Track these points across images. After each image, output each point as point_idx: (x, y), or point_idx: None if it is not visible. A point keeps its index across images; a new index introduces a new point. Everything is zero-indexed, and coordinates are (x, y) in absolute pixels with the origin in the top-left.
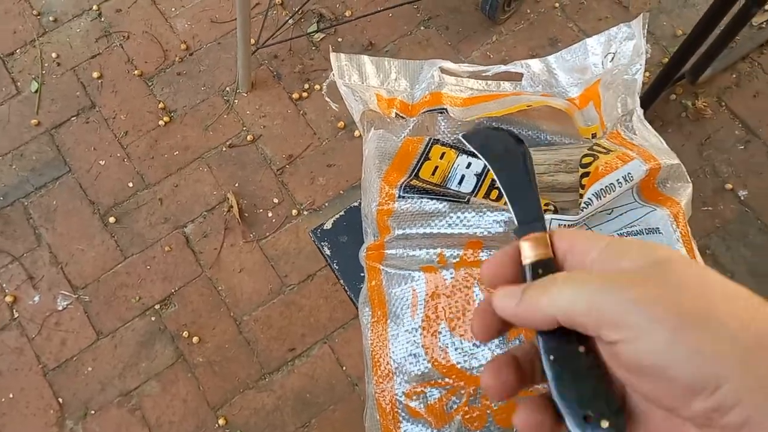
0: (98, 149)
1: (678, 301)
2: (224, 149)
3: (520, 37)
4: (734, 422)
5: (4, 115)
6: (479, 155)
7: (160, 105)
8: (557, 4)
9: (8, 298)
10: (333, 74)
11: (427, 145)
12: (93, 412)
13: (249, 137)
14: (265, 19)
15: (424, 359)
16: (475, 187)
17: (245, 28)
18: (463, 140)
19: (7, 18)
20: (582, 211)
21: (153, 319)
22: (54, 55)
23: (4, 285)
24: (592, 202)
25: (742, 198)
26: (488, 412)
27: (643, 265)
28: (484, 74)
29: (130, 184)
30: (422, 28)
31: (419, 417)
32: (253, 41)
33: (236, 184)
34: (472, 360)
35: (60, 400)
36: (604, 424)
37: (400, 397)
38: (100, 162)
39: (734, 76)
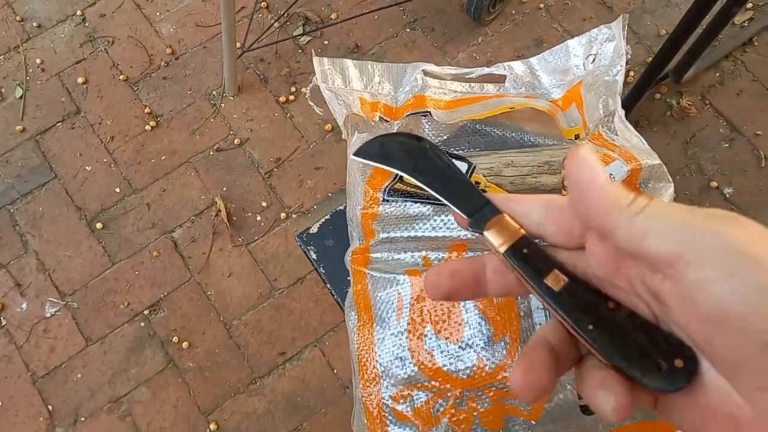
0: (84, 155)
1: None
2: (211, 153)
3: (505, 38)
4: None
5: None
6: (385, 166)
7: (146, 110)
8: (542, 5)
9: None
10: (316, 78)
11: None
12: (83, 419)
13: (236, 141)
14: (250, 22)
15: (410, 362)
16: None
17: (230, 32)
18: (358, 159)
19: None
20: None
21: (142, 324)
22: (38, 60)
23: None
24: None
25: (727, 196)
26: (475, 414)
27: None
28: (467, 77)
29: (117, 190)
30: (408, 30)
31: (406, 420)
32: (238, 45)
33: (224, 188)
34: (458, 362)
35: (50, 407)
36: (678, 363)
37: (387, 400)
38: (87, 168)
39: (718, 74)
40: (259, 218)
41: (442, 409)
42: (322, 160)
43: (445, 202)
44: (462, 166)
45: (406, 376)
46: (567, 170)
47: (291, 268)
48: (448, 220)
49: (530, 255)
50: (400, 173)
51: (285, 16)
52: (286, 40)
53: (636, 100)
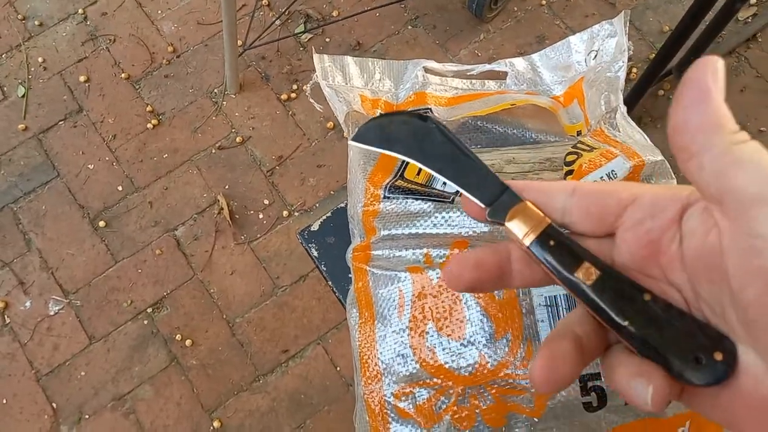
0: (87, 153)
1: None
2: (213, 151)
3: (507, 35)
4: None
5: None
6: (387, 152)
7: (148, 108)
8: (544, 2)
9: None
10: (316, 76)
11: None
12: (87, 416)
13: (238, 139)
14: (251, 20)
15: (412, 360)
16: None
17: (232, 30)
18: (356, 144)
19: None
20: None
21: (145, 322)
22: (40, 59)
23: None
24: None
25: None
26: (477, 411)
27: None
28: (468, 73)
29: (120, 188)
30: (410, 27)
31: (408, 417)
32: (240, 43)
33: (226, 186)
34: (459, 360)
35: (54, 405)
36: (718, 356)
37: (389, 397)
38: (89, 166)
39: None
40: (261, 216)
41: (444, 406)
42: (324, 158)
43: (460, 189)
44: None
45: (407, 374)
46: (690, 71)
47: (293, 266)
48: (450, 217)
49: (558, 246)
50: (405, 159)
51: (286, 13)
52: (288, 37)
53: (639, 96)
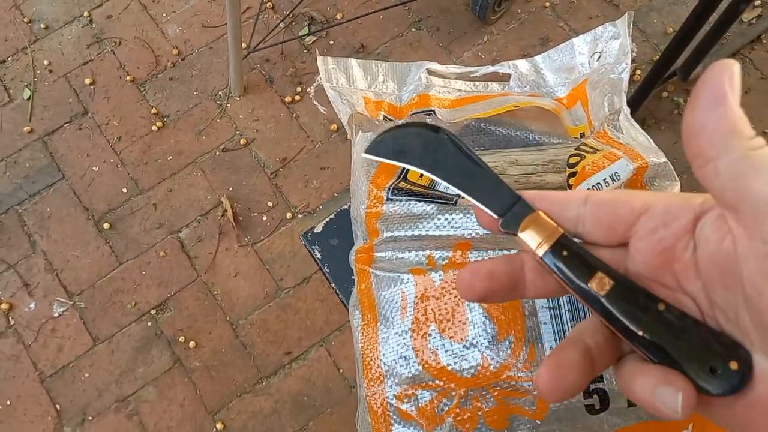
0: (92, 155)
1: None
2: (218, 153)
3: (511, 37)
4: None
5: None
6: (400, 164)
7: (153, 110)
8: (548, 4)
9: (4, 306)
10: (320, 78)
11: None
12: (90, 418)
13: (242, 141)
14: (256, 23)
15: (414, 362)
16: None
17: (236, 32)
18: (370, 157)
19: None
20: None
21: (149, 324)
22: (46, 62)
23: None
24: None
25: None
26: (479, 413)
27: None
28: (471, 75)
29: (124, 190)
30: (413, 29)
31: (411, 419)
32: (244, 45)
33: (230, 188)
34: (462, 362)
35: (57, 406)
36: (733, 365)
37: (391, 399)
38: (94, 168)
39: None
40: (265, 218)
41: (446, 408)
42: (327, 160)
43: (472, 200)
44: None
45: (410, 375)
46: (705, 74)
47: (297, 268)
48: (452, 218)
49: (571, 257)
50: (419, 171)
51: (290, 16)
52: (292, 40)
53: (643, 98)
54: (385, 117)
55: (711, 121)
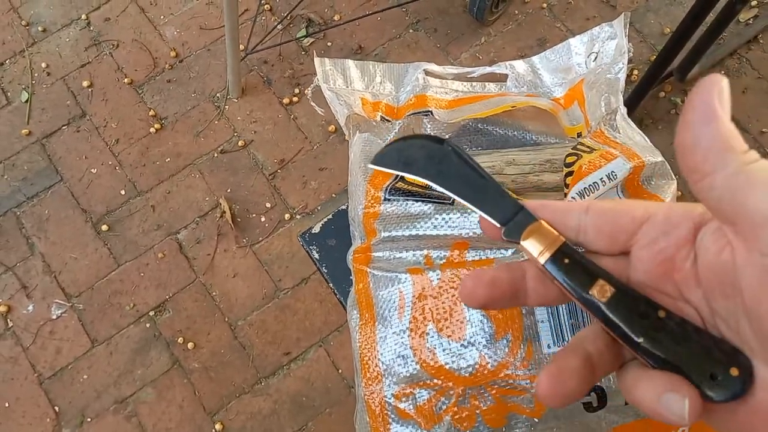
0: (90, 158)
1: None
2: (216, 155)
3: (508, 38)
4: None
5: None
6: (405, 174)
7: (151, 112)
8: (545, 5)
9: (2, 308)
10: (317, 79)
11: None
12: (89, 419)
13: (240, 143)
14: (253, 24)
15: (412, 361)
16: None
17: (234, 34)
18: (375, 167)
19: None
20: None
21: (148, 325)
22: (44, 64)
23: None
24: (575, 201)
25: None
26: (477, 412)
27: None
28: (468, 76)
29: (123, 192)
30: (411, 31)
31: (409, 418)
32: (242, 47)
33: (228, 190)
34: (460, 360)
35: (56, 408)
36: (734, 372)
37: (390, 398)
38: (92, 170)
39: (722, 72)
40: (263, 219)
41: (444, 407)
42: (325, 161)
43: (476, 210)
44: None
45: (408, 375)
46: (694, 91)
47: (295, 269)
48: (450, 218)
49: (572, 265)
50: (424, 181)
51: (288, 18)
52: (290, 42)
53: (640, 98)
54: (382, 118)
55: (704, 138)
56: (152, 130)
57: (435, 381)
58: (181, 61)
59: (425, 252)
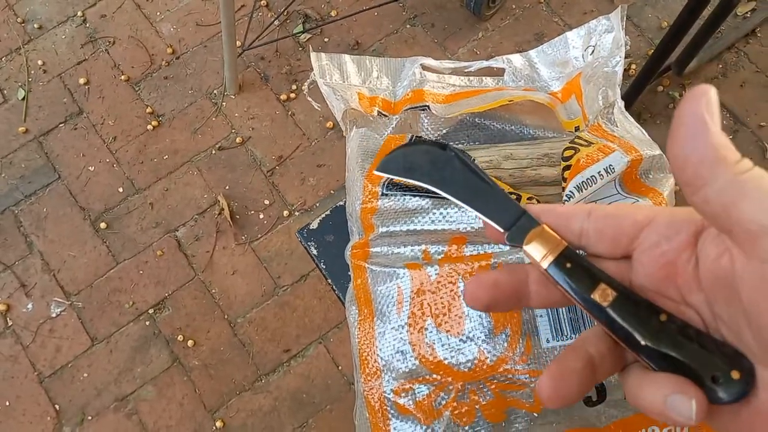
0: (87, 155)
1: None
2: (213, 152)
3: (506, 33)
4: None
5: None
6: (409, 180)
7: (148, 109)
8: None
9: (1, 307)
10: (314, 74)
11: (409, 143)
12: (90, 417)
13: (238, 139)
14: (250, 20)
15: (411, 356)
16: None
17: (230, 31)
18: (381, 173)
19: None
20: (564, 204)
21: (147, 323)
22: (40, 62)
23: None
24: (573, 195)
25: None
26: (477, 407)
27: None
28: (465, 70)
29: (120, 190)
30: (408, 26)
31: (408, 414)
32: (239, 43)
33: (227, 187)
34: (459, 355)
35: (56, 406)
36: (735, 375)
37: (389, 394)
38: (90, 168)
39: (720, 66)
40: (261, 216)
41: (443, 402)
42: (323, 158)
43: (479, 215)
44: None
45: (407, 370)
46: (683, 102)
47: (294, 266)
48: (447, 213)
49: (575, 268)
50: (427, 187)
51: (285, 13)
52: (286, 38)
53: (638, 92)
54: (379, 113)
55: (695, 152)
56: (149, 127)
57: (434, 376)
58: (178, 58)
59: (423, 247)
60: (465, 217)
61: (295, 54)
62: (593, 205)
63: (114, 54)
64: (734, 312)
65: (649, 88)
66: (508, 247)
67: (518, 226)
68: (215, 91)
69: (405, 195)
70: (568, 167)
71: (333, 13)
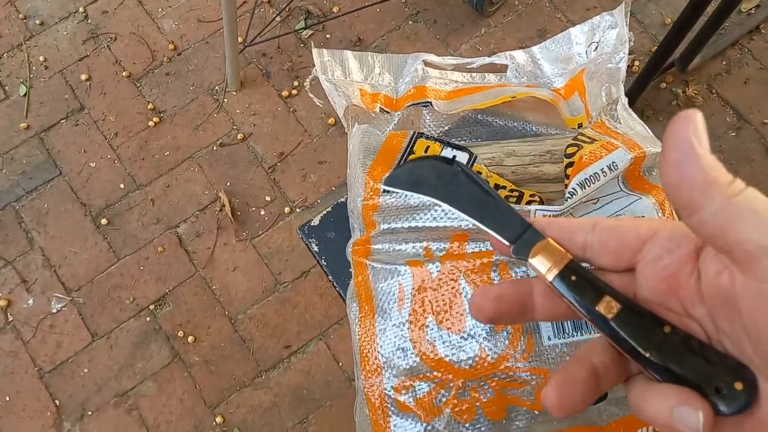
0: (88, 151)
1: None
2: (215, 148)
3: (508, 29)
4: None
5: None
6: (416, 194)
7: (150, 106)
8: None
9: (2, 302)
10: (316, 70)
11: (411, 139)
12: (90, 413)
13: (239, 136)
14: (252, 17)
15: (412, 353)
16: None
17: (232, 27)
18: (388, 188)
19: None
20: (567, 201)
21: (148, 319)
22: (41, 58)
23: None
24: (576, 192)
25: None
26: (477, 405)
27: None
28: (468, 66)
29: (122, 186)
30: (410, 22)
31: (408, 411)
32: (240, 39)
33: (228, 183)
34: (460, 353)
35: (57, 402)
36: (738, 386)
37: (389, 391)
38: (91, 164)
39: (724, 62)
40: (263, 213)
41: (444, 399)
42: (325, 154)
43: (485, 229)
44: (463, 157)
45: (408, 367)
46: (668, 130)
47: (295, 262)
48: (449, 209)
49: (579, 281)
50: (434, 201)
51: (287, 10)
52: (288, 34)
53: (641, 89)
54: (381, 109)
55: (686, 178)
56: (151, 123)
57: (435, 373)
58: (180, 54)
59: (425, 244)
60: None
61: (296, 50)
62: (597, 218)
63: (115, 50)
64: (735, 326)
65: (652, 85)
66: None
67: (523, 239)
68: (217, 88)
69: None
70: (570, 164)
71: (335, 10)
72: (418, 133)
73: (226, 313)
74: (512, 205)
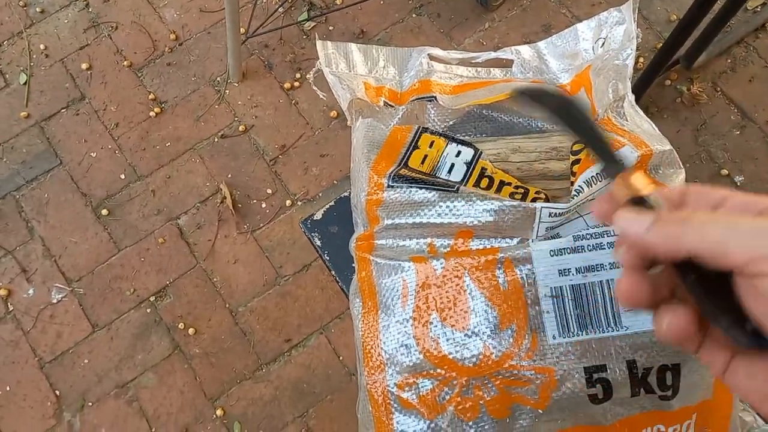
0: (89, 141)
1: None
2: (216, 140)
3: (513, 24)
4: None
5: None
6: (552, 116)
7: (151, 96)
8: None
9: (2, 292)
10: (320, 63)
11: (415, 134)
12: (90, 403)
13: (241, 127)
14: (254, 7)
15: (415, 350)
16: (465, 175)
17: (234, 17)
18: (526, 101)
19: None
20: (573, 198)
21: (148, 311)
22: (42, 46)
23: None
24: (582, 190)
25: (738, 183)
26: (481, 402)
27: None
28: (473, 61)
29: (122, 176)
30: (414, 15)
31: (411, 408)
32: (243, 30)
33: (229, 175)
34: (463, 350)
35: (57, 392)
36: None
37: (392, 388)
38: (92, 154)
39: (729, 60)
40: (264, 205)
41: (447, 397)
42: (327, 147)
43: (599, 151)
44: (468, 153)
45: (411, 364)
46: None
47: (296, 255)
48: (454, 206)
49: (651, 207)
50: (567, 128)
51: (289, 1)
52: (291, 25)
53: (646, 86)
54: (385, 103)
55: (685, 242)
56: (152, 113)
57: (438, 371)
58: (181, 44)
59: (429, 240)
60: (471, 210)
61: (299, 42)
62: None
63: (117, 39)
64: None
65: (657, 82)
66: (514, 242)
67: (622, 162)
68: (218, 79)
69: (411, 187)
70: (577, 161)
71: (338, 1)
72: (423, 127)
73: (227, 305)
74: (518, 201)
